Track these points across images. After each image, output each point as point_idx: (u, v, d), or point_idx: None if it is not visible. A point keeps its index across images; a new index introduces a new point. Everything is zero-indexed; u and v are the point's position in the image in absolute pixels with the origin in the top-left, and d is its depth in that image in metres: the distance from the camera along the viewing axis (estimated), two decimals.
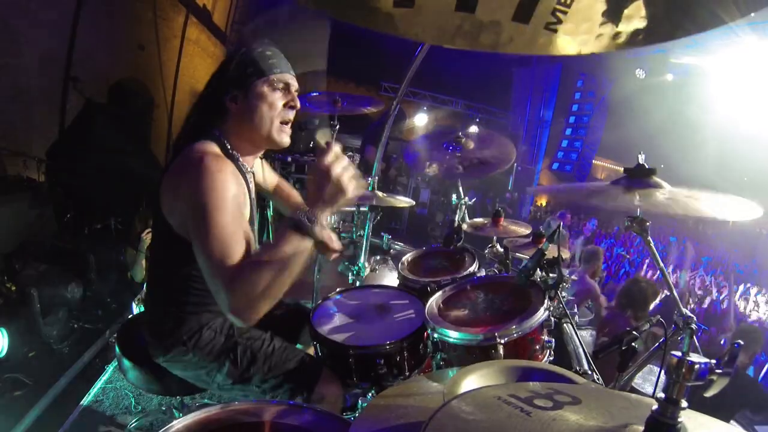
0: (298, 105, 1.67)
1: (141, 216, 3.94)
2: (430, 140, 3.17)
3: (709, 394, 0.85)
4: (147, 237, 3.26)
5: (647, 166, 1.48)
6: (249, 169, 1.69)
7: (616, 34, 1.00)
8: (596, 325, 3.96)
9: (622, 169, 1.56)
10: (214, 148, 1.53)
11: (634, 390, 1.73)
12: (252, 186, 1.73)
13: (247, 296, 1.24)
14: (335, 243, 1.59)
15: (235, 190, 1.41)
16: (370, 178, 2.81)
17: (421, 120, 13.03)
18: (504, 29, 1.00)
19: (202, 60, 8.34)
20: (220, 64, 1.64)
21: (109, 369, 2.47)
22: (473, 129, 3.01)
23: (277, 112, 1.61)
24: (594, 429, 0.75)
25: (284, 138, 1.66)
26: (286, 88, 1.63)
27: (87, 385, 2.38)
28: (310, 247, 1.31)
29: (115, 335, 1.80)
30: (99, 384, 2.39)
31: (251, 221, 1.66)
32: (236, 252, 1.29)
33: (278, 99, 1.61)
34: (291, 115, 1.65)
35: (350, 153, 3.55)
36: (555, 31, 1.00)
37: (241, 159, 1.64)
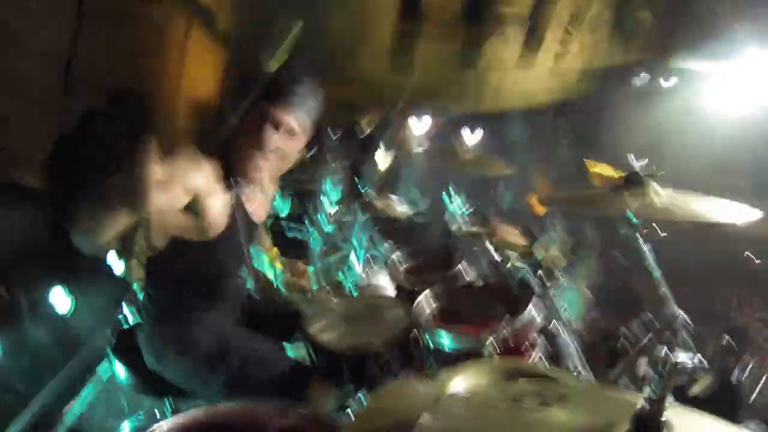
0: (288, 152, 1.59)
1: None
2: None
3: (693, 392, 0.86)
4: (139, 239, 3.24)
5: (643, 173, 1.50)
6: (248, 187, 1.64)
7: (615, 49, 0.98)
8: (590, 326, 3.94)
9: (620, 174, 1.58)
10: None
11: (622, 387, 1.73)
12: (256, 214, 1.70)
13: None
14: None
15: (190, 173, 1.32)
16: (364, 189, 2.81)
17: (416, 126, 13.05)
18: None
19: (204, 64, 8.33)
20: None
21: (101, 371, 2.46)
22: (472, 137, 3.04)
23: (262, 146, 1.53)
24: (582, 426, 0.75)
25: (256, 175, 1.59)
26: (278, 127, 1.54)
27: (78, 388, 2.37)
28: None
29: (108, 337, 1.80)
30: (90, 387, 2.38)
31: (232, 242, 1.60)
32: None
33: (268, 134, 1.52)
34: (272, 157, 1.57)
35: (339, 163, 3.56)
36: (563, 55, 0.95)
37: (240, 178, 1.58)
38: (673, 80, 5.88)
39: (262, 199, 1.77)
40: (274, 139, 1.54)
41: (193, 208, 1.37)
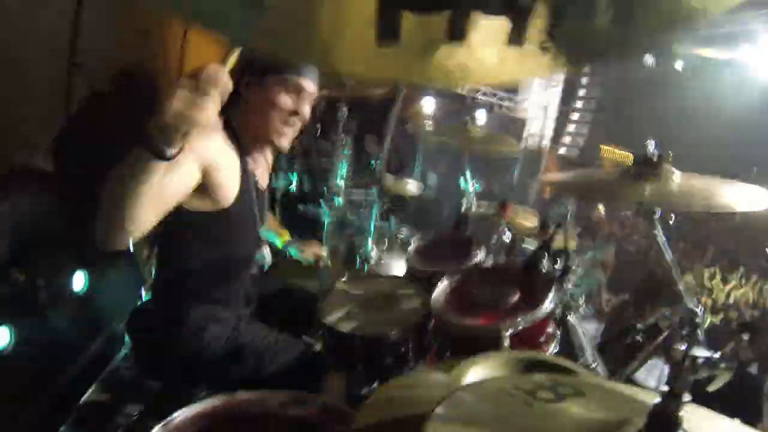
0: (306, 116, 1.64)
1: None
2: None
3: (712, 388, 0.86)
4: None
5: (656, 155, 1.47)
6: (252, 156, 1.67)
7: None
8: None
9: (630, 155, 1.55)
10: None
11: (636, 383, 1.73)
12: (261, 181, 1.72)
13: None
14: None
15: (202, 144, 1.36)
16: (373, 162, 2.80)
17: (427, 104, 12.92)
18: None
19: (207, 46, 8.29)
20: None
21: (117, 358, 2.50)
22: (480, 115, 3.01)
23: (281, 115, 1.60)
24: (596, 421, 0.75)
25: (283, 142, 1.66)
26: (298, 92, 1.61)
27: (94, 375, 2.40)
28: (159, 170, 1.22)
29: (124, 324, 1.82)
30: (106, 373, 2.42)
31: (246, 208, 1.63)
32: None
33: (286, 103, 1.59)
34: (295, 121, 1.63)
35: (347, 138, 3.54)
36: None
37: (245, 144, 1.62)
38: (681, 64, 5.77)
39: (266, 165, 1.79)
40: (297, 105, 1.61)
41: (206, 182, 1.38)
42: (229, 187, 1.55)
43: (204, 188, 1.47)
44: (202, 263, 1.63)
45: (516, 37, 0.64)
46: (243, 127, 1.62)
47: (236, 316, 1.71)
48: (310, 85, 1.63)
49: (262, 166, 1.77)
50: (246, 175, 1.63)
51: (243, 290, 1.82)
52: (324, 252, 2.10)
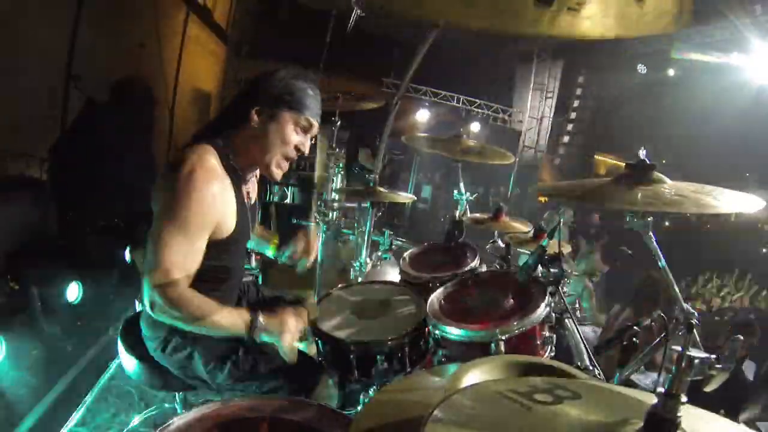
0: (307, 151, 1.69)
1: (148, 215, 3.93)
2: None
3: (709, 388, 0.86)
4: None
5: (648, 162, 1.48)
6: (246, 181, 1.70)
7: (641, 18, 0.97)
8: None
9: (624, 164, 1.56)
10: (210, 158, 1.53)
11: (634, 385, 1.74)
12: (252, 196, 1.74)
13: (166, 312, 1.42)
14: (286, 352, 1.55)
15: (209, 211, 1.47)
16: (369, 175, 2.82)
17: (422, 116, 13.01)
18: (526, 11, 0.96)
19: (203, 58, 8.34)
20: (265, 74, 1.63)
21: (113, 366, 2.49)
22: (475, 126, 3.03)
23: (287, 149, 1.64)
24: (594, 423, 0.75)
25: (278, 174, 1.69)
26: (306, 131, 1.66)
27: (91, 382, 2.39)
28: (241, 333, 1.48)
29: (119, 331, 1.81)
30: (102, 381, 2.40)
31: (243, 232, 1.66)
32: (190, 269, 1.46)
33: (294, 138, 1.63)
34: (295, 155, 1.67)
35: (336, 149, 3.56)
36: (577, 11, 0.95)
37: (240, 170, 1.63)
38: (672, 71, 5.85)
39: (254, 179, 1.82)
40: (300, 142, 1.65)
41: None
42: (226, 225, 1.59)
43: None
44: (196, 276, 1.64)
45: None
46: (242, 151, 1.62)
47: None
48: (317, 123, 1.68)
49: (252, 182, 1.79)
50: (241, 202, 1.65)
51: (234, 297, 1.82)
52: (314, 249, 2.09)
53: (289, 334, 1.50)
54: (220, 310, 1.47)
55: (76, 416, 2.23)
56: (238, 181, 1.62)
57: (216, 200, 1.50)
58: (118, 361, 2.40)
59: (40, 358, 2.60)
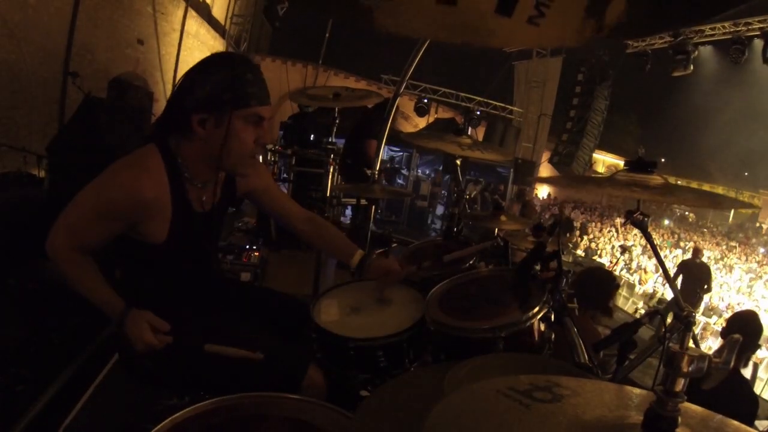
0: (267, 140, 1.63)
1: None
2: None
3: (708, 386, 0.86)
4: None
5: (646, 160, 1.48)
6: (198, 187, 1.62)
7: (599, 27, 0.99)
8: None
9: (623, 162, 1.56)
10: (148, 160, 1.50)
11: (633, 383, 1.74)
12: (209, 202, 1.67)
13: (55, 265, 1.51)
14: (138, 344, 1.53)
15: (120, 202, 1.46)
16: (369, 171, 2.81)
17: (421, 113, 13.01)
18: (486, 22, 0.98)
19: (201, 53, 8.33)
20: (194, 74, 1.52)
21: (110, 363, 2.48)
22: (474, 123, 3.02)
23: (244, 148, 1.55)
24: (593, 421, 0.75)
25: (245, 171, 1.65)
26: (258, 122, 1.56)
27: (88, 381, 2.38)
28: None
29: (115, 329, 1.80)
30: (100, 379, 2.39)
31: (180, 241, 1.60)
32: (76, 238, 1.51)
33: (250, 135, 1.55)
34: (259, 150, 1.61)
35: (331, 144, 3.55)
36: (537, 24, 0.98)
37: (189, 173, 1.58)
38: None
39: (213, 185, 1.73)
40: (259, 136, 1.58)
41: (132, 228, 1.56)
42: (153, 229, 1.53)
43: (132, 228, 1.54)
44: (152, 284, 1.64)
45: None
46: (191, 159, 1.56)
47: (207, 318, 1.68)
48: (267, 111, 1.58)
49: (209, 189, 1.72)
50: (183, 209, 1.58)
51: (205, 302, 1.77)
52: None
53: (141, 345, 1.49)
54: (97, 290, 1.52)
55: (73, 415, 2.22)
56: (181, 186, 1.56)
57: (135, 197, 1.45)
58: (116, 358, 2.39)
59: (38, 354, 2.59)
